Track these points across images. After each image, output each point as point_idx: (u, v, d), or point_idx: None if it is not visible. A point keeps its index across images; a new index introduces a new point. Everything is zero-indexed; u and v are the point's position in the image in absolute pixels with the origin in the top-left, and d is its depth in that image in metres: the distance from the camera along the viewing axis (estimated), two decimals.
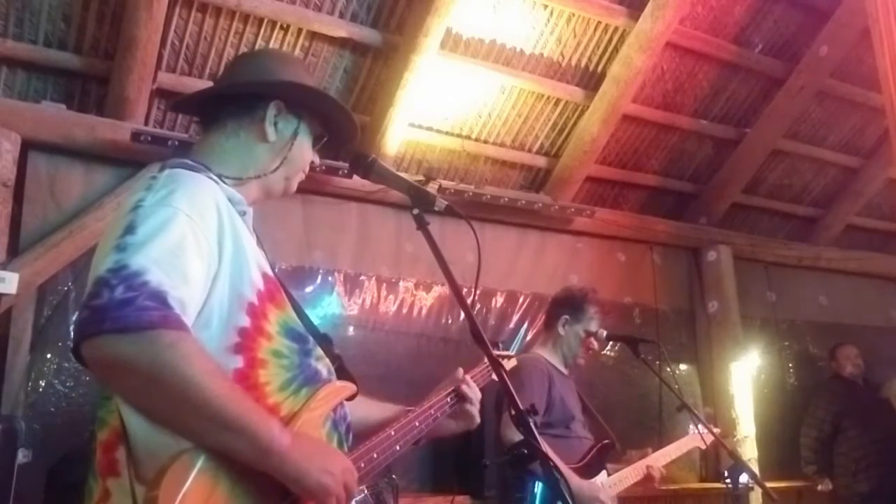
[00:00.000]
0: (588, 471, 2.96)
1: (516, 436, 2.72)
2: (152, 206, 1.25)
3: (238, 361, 1.28)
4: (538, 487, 2.76)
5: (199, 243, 1.25)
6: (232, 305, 1.30)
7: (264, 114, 1.51)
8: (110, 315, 1.10)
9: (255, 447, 1.16)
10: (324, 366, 1.45)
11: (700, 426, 3.19)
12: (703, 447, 3.23)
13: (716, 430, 3.32)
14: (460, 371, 1.78)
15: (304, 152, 1.58)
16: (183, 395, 1.12)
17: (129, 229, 1.21)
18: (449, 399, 1.69)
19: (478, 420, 1.75)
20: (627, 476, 3.06)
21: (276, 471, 1.18)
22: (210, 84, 1.90)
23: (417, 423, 1.59)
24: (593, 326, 3.18)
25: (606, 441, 3.10)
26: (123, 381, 1.16)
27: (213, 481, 1.16)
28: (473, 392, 1.73)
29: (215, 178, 1.41)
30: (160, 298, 1.14)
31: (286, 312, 1.40)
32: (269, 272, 1.40)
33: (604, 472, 3.01)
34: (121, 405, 1.25)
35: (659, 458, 3.16)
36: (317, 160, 1.63)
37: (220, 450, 1.16)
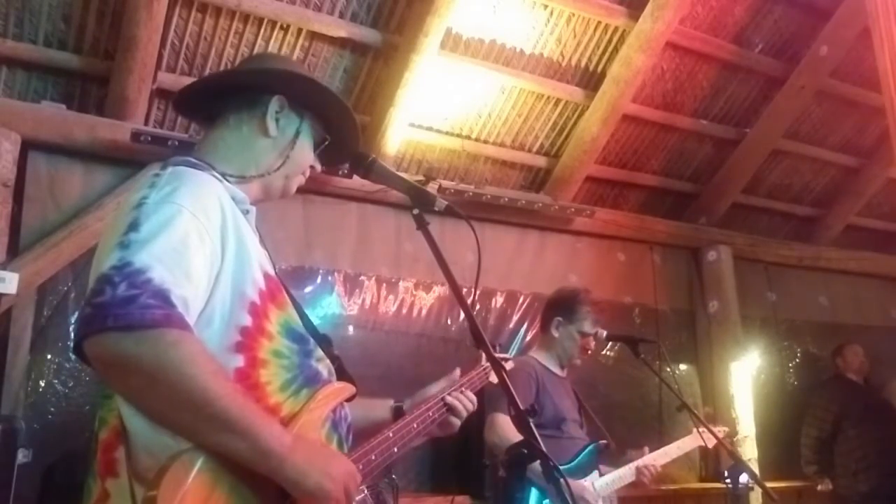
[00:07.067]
0: (579, 471, 2.96)
1: (498, 439, 2.75)
2: (156, 204, 1.24)
3: (239, 360, 1.28)
4: (531, 492, 2.77)
5: (202, 241, 1.24)
6: (234, 304, 1.29)
7: (266, 108, 1.50)
8: (113, 312, 1.10)
9: (255, 449, 1.15)
10: (324, 367, 1.45)
11: (702, 427, 3.17)
12: (709, 446, 3.21)
13: (719, 430, 3.32)
14: (457, 371, 1.78)
15: (306, 154, 1.57)
16: (185, 395, 1.12)
17: (133, 226, 1.20)
18: (444, 402, 1.69)
19: (455, 430, 1.73)
20: (623, 476, 3.06)
21: (276, 473, 1.18)
22: None
23: (416, 426, 1.59)
24: (587, 327, 3.18)
25: (600, 441, 3.10)
26: (125, 380, 1.15)
27: (213, 482, 1.15)
28: (464, 404, 1.72)
29: (218, 176, 1.41)
30: (163, 297, 1.13)
31: (287, 313, 1.39)
32: (271, 272, 1.40)
33: (595, 472, 3.01)
34: (121, 405, 1.25)
35: (657, 458, 3.16)
36: (318, 166, 1.62)
37: (220, 451, 1.15)
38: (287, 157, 1.53)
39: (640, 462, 3.09)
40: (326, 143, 1.62)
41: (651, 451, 3.17)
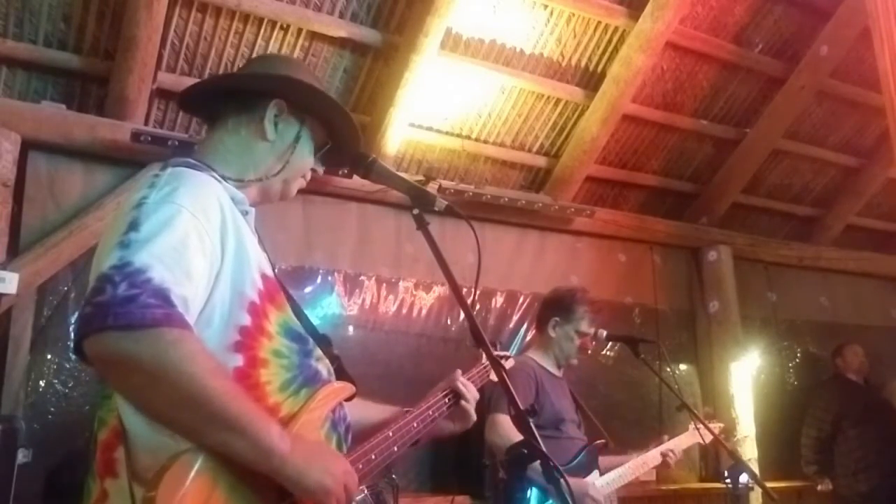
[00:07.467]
0: (579, 470, 2.96)
1: (498, 439, 2.75)
2: (156, 204, 1.24)
3: (238, 360, 1.28)
4: (532, 492, 2.77)
5: (202, 241, 1.24)
6: (233, 304, 1.30)
7: (264, 112, 1.50)
8: (113, 312, 1.10)
9: (256, 448, 1.15)
10: (324, 366, 1.45)
11: (700, 424, 3.19)
12: (704, 442, 3.24)
13: (715, 425, 3.33)
14: (458, 372, 1.78)
15: (305, 158, 1.57)
16: (185, 394, 1.12)
17: (133, 226, 1.20)
18: (446, 400, 1.69)
19: (474, 419, 1.74)
20: (623, 475, 3.06)
21: (277, 472, 1.18)
22: None
23: (416, 424, 1.59)
24: (584, 326, 3.18)
25: (599, 441, 3.10)
26: (126, 379, 1.15)
27: (213, 482, 1.15)
28: (470, 392, 1.72)
29: (218, 177, 1.41)
30: (163, 296, 1.13)
31: (286, 313, 1.40)
32: (270, 273, 1.40)
33: (596, 472, 3.02)
34: (120, 404, 1.25)
35: (656, 456, 3.16)
36: (320, 169, 1.62)
37: (221, 450, 1.15)
38: (287, 161, 1.52)
39: (654, 452, 3.14)
40: (328, 146, 1.61)
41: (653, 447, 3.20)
